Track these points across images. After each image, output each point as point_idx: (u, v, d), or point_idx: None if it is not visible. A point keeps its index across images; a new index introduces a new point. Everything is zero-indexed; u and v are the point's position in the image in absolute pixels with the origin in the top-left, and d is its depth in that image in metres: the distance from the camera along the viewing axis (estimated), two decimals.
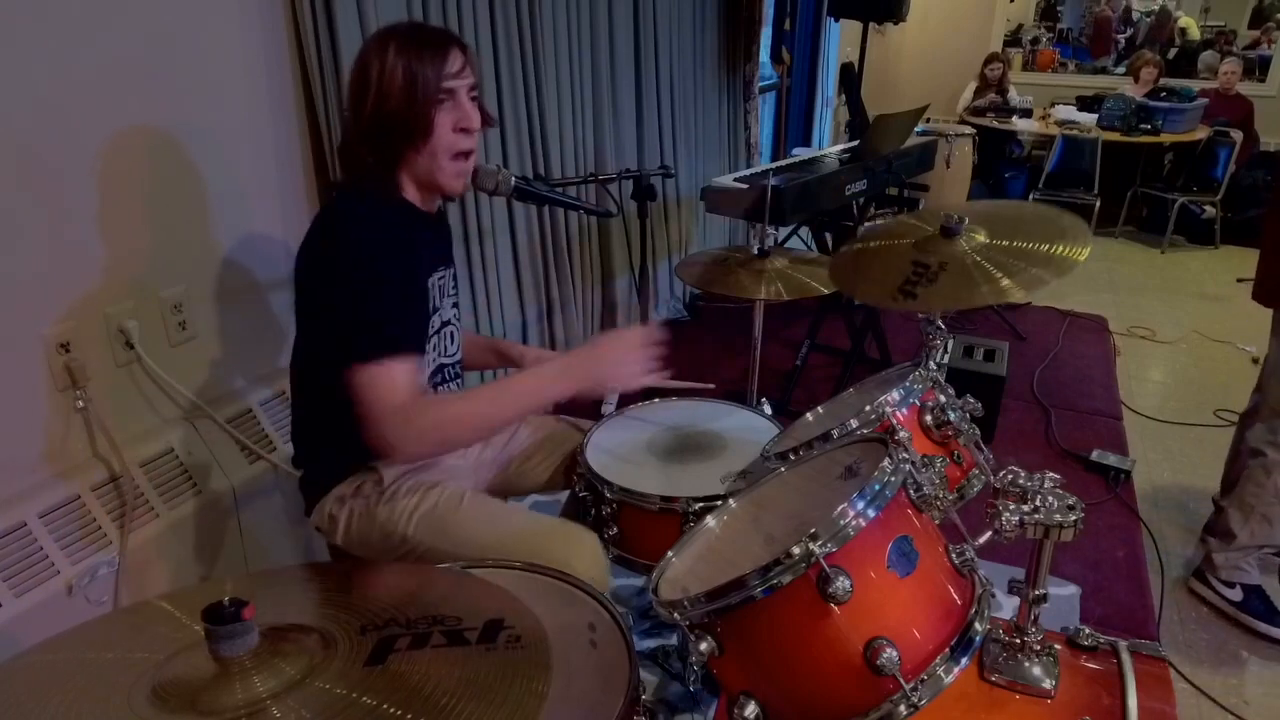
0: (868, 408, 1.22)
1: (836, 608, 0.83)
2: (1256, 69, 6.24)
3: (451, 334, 1.49)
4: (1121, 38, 6.82)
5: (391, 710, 0.65)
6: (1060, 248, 1.31)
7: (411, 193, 1.38)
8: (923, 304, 1.35)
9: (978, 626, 0.89)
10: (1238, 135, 5.26)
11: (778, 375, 3.28)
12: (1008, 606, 1.19)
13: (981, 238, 1.42)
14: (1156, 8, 6.68)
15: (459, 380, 1.55)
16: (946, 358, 1.41)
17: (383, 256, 1.23)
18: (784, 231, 4.10)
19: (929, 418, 1.26)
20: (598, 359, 1.22)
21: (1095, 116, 5.70)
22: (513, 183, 1.53)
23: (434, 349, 1.44)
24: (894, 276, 1.41)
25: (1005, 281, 1.32)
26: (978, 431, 1.31)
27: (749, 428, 1.62)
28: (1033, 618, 1.04)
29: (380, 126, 1.28)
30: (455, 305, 1.50)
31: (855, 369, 3.22)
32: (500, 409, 1.23)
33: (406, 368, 1.19)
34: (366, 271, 1.21)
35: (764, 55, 4.75)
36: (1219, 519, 2.15)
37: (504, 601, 0.81)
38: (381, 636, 0.74)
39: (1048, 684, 1.02)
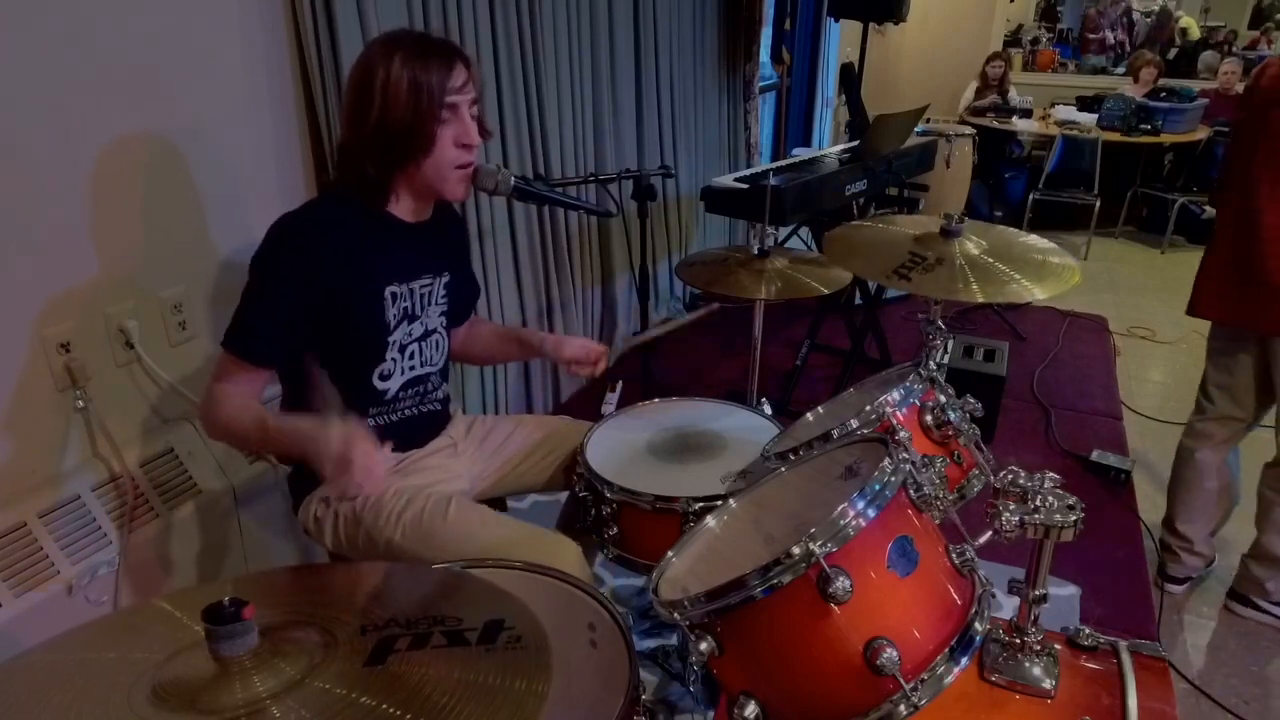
0: (868, 408, 1.22)
1: (836, 608, 0.83)
2: (1255, 69, 6.24)
3: (436, 342, 1.49)
4: (1099, 38, 6.80)
5: (391, 710, 0.65)
6: (1048, 280, 1.35)
7: (402, 202, 1.38)
8: (915, 287, 1.37)
9: (978, 626, 0.89)
10: None
11: (778, 375, 3.28)
12: (1008, 606, 1.19)
13: (976, 249, 1.44)
14: (1156, 8, 6.68)
15: (441, 392, 1.54)
16: (946, 358, 1.42)
17: (274, 265, 1.27)
18: (784, 231, 4.10)
19: (929, 418, 1.26)
20: (319, 463, 1.13)
21: (1095, 116, 5.70)
22: (513, 183, 1.53)
23: (412, 358, 1.44)
24: (890, 259, 1.44)
25: (996, 286, 1.35)
26: (978, 431, 1.31)
27: (749, 428, 1.62)
28: (1033, 618, 1.04)
29: (383, 137, 1.28)
30: (444, 314, 1.49)
31: (855, 369, 3.22)
32: (260, 443, 1.29)
33: (237, 363, 1.28)
34: (256, 271, 1.28)
35: (764, 55, 4.75)
36: (1255, 545, 2.14)
37: (504, 602, 0.81)
38: (381, 637, 0.74)
39: (1048, 684, 1.02)
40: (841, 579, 0.82)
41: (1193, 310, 2.09)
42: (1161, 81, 5.90)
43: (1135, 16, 6.78)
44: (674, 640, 1.83)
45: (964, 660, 0.86)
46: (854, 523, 0.84)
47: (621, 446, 1.55)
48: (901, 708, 0.82)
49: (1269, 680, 1.97)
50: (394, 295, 1.37)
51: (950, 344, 1.42)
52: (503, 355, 1.73)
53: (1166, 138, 5.49)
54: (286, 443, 1.22)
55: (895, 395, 1.24)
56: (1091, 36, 6.76)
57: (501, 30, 2.39)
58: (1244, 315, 1.98)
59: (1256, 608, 2.15)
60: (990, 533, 1.00)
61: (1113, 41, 6.77)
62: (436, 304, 1.46)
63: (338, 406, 1.12)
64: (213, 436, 1.32)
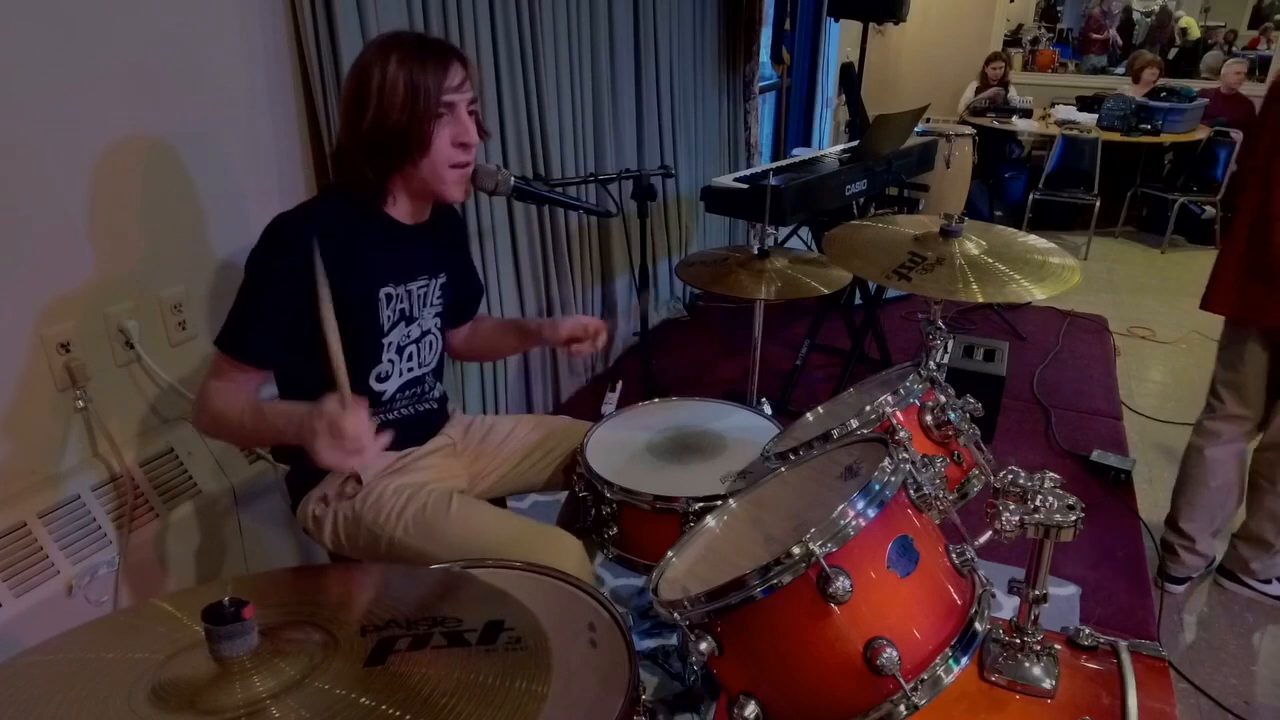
0: (868, 408, 1.22)
1: (836, 608, 0.83)
2: (1256, 69, 6.24)
3: (431, 343, 1.49)
4: (1103, 38, 6.80)
5: (390, 711, 0.65)
6: (1047, 280, 1.36)
7: (400, 204, 1.38)
8: (915, 287, 1.37)
9: (978, 626, 0.89)
10: (1237, 135, 5.26)
11: (778, 375, 3.28)
12: (1008, 606, 1.19)
13: (976, 249, 1.44)
14: (1156, 8, 6.68)
15: (437, 391, 1.55)
16: (946, 358, 1.42)
17: (269, 265, 1.26)
18: (784, 231, 4.10)
19: (929, 418, 1.26)
20: (312, 435, 1.11)
21: (1095, 116, 5.71)
22: (512, 183, 1.53)
23: (410, 359, 1.44)
24: (890, 259, 1.45)
25: (997, 286, 1.35)
26: (978, 431, 1.31)
27: (749, 428, 1.62)
28: (1033, 618, 1.04)
29: (379, 138, 1.28)
30: (439, 315, 1.49)
31: (855, 369, 3.22)
32: (254, 429, 1.27)
33: (231, 363, 1.28)
34: (251, 270, 1.28)
35: (764, 55, 4.75)
36: (1244, 526, 2.20)
37: (504, 603, 0.81)
38: (381, 637, 0.74)
39: (1048, 684, 1.02)
40: (841, 579, 0.82)
41: (1205, 305, 2.13)
42: (1161, 81, 5.90)
43: (1135, 16, 6.77)
44: (674, 640, 1.83)
45: (964, 660, 0.86)
46: (854, 523, 0.84)
47: (621, 446, 1.55)
48: (901, 708, 0.82)
49: (1269, 680, 1.97)
50: (389, 297, 1.37)
51: (950, 344, 1.42)
52: (505, 348, 1.73)
53: (1166, 138, 5.49)
54: (280, 423, 1.21)
55: (895, 395, 1.24)
56: (1096, 36, 6.78)
57: (501, 30, 2.39)
58: (1252, 311, 2.02)
59: (1242, 584, 2.23)
60: (990, 533, 1.00)
61: (1115, 41, 6.78)
62: (432, 305, 1.46)
63: (344, 379, 1.10)
64: (205, 431, 1.31)
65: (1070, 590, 2.18)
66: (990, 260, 1.41)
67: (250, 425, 1.25)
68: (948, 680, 0.84)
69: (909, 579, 0.87)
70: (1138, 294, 4.62)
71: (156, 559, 1.63)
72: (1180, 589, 2.27)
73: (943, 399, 1.29)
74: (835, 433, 1.21)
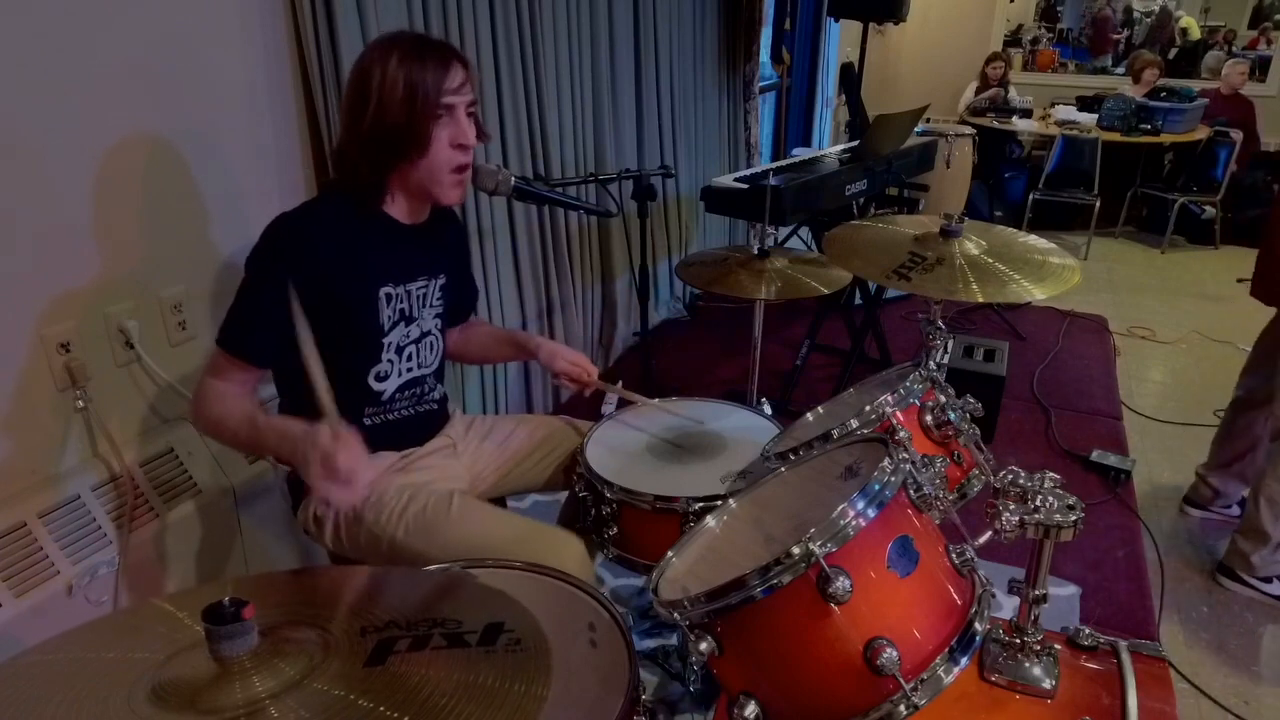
0: (868, 408, 1.22)
1: (836, 608, 0.83)
2: (1256, 69, 6.24)
3: (431, 344, 1.49)
4: (1120, 38, 6.82)
5: (389, 712, 0.65)
6: (1047, 280, 1.37)
7: (398, 203, 1.38)
8: (915, 287, 1.38)
9: (978, 626, 0.89)
10: (1237, 135, 5.26)
11: (778, 375, 3.28)
12: (1008, 606, 1.19)
13: (976, 249, 1.44)
14: (1156, 8, 6.68)
15: (438, 392, 1.54)
16: (946, 358, 1.42)
17: (270, 267, 1.27)
18: (784, 231, 4.10)
19: (929, 418, 1.26)
20: (305, 463, 1.12)
21: (1095, 116, 5.71)
22: (513, 183, 1.53)
23: (409, 359, 1.44)
24: (890, 259, 1.45)
25: (997, 286, 1.35)
26: (978, 431, 1.31)
27: (749, 428, 1.62)
28: (1033, 618, 1.04)
29: (377, 137, 1.28)
30: (439, 315, 1.49)
31: (855, 369, 3.22)
32: (249, 441, 1.28)
33: (230, 361, 1.29)
34: (252, 270, 1.28)
35: (764, 55, 4.75)
36: (1244, 519, 2.23)
37: (504, 604, 0.81)
38: (381, 638, 0.74)
39: (1048, 684, 1.02)
40: (841, 579, 0.82)
41: (1251, 290, 2.29)
42: (1161, 81, 5.90)
43: (1135, 16, 6.77)
44: (674, 640, 1.83)
45: (964, 660, 0.86)
46: (854, 523, 0.84)
47: (621, 446, 1.55)
48: (901, 708, 0.82)
49: (1269, 680, 1.97)
50: (389, 296, 1.37)
51: (950, 344, 1.43)
52: (498, 357, 1.73)
53: (1166, 138, 5.49)
54: (274, 441, 1.21)
55: (895, 395, 1.24)
56: (1114, 36, 6.79)
57: (501, 30, 2.39)
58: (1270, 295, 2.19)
59: (1242, 582, 2.24)
60: (990, 533, 1.00)
61: (1122, 42, 6.80)
62: (431, 306, 1.46)
63: (332, 408, 1.11)
64: (201, 431, 1.32)
65: (1070, 590, 2.18)
66: (990, 260, 1.42)
67: (245, 435, 1.26)
68: (948, 680, 0.84)
69: (909, 579, 0.87)
70: (1138, 294, 4.62)
71: (156, 559, 1.63)
72: (1197, 513, 2.53)
73: (943, 399, 1.29)
74: (835, 433, 1.21)
